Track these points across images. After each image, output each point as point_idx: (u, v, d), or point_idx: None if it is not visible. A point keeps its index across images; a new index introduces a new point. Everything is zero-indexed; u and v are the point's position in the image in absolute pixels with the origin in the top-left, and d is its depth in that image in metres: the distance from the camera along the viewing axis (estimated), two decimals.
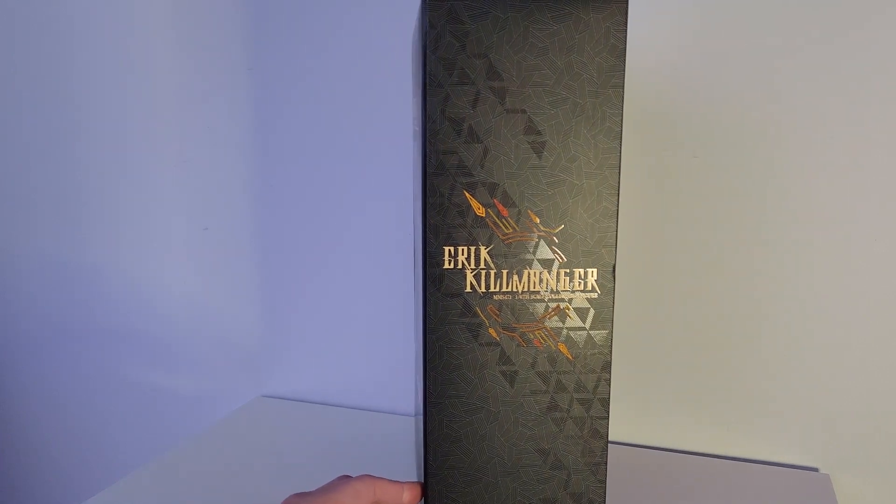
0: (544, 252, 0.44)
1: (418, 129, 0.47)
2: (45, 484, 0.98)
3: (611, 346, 0.45)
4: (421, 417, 0.49)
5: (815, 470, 0.66)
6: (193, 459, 0.68)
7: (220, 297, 0.84)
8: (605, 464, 0.46)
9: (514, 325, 0.44)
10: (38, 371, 0.95)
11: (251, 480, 0.64)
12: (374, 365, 0.80)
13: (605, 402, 0.46)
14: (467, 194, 0.43)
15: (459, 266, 0.44)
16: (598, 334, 0.45)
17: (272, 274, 0.82)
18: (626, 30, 0.42)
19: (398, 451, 0.69)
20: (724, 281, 0.65)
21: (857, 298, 0.62)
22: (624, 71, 0.42)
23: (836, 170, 0.61)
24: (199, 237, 0.83)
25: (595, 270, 0.44)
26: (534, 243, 0.44)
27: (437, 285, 0.44)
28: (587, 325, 0.45)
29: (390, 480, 0.46)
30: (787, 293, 0.64)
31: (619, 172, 0.43)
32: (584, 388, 0.45)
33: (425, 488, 0.46)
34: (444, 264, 0.44)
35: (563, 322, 0.45)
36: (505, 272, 0.44)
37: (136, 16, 0.81)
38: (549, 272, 0.44)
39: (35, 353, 0.95)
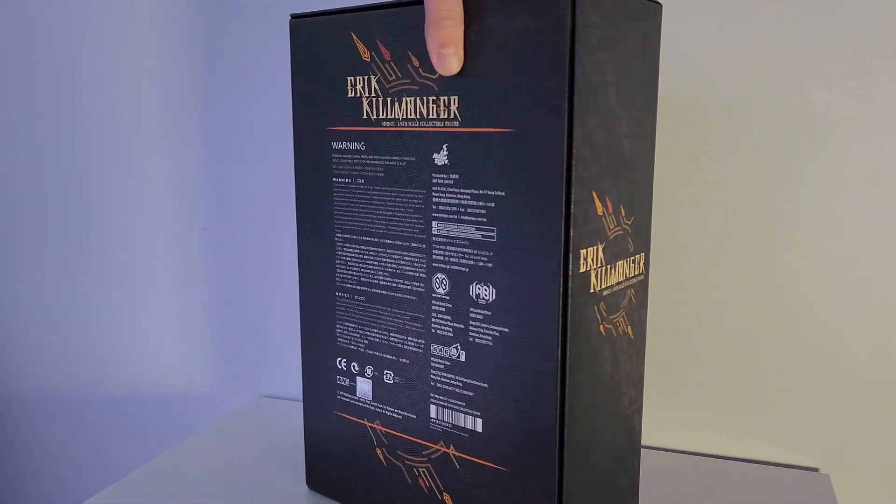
0: (627, 243, 0.47)
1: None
2: (45, 484, 0.97)
3: (646, 319, 0.51)
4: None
5: (815, 470, 0.66)
6: (193, 459, 0.67)
7: (219, 296, 0.83)
8: (640, 412, 0.51)
9: (611, 316, 0.46)
10: (37, 371, 0.93)
11: (251, 480, 0.63)
12: None
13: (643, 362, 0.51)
14: (595, 195, 0.43)
15: (588, 268, 0.43)
16: (644, 312, 0.50)
17: (272, 273, 0.80)
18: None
19: None
20: (723, 281, 0.66)
21: (858, 298, 0.63)
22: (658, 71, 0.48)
23: (837, 170, 0.62)
24: (199, 237, 0.82)
25: (642, 255, 0.49)
26: (625, 235, 0.46)
27: (578, 290, 0.43)
28: (641, 306, 0.50)
29: None
30: (787, 293, 0.65)
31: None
32: (640, 361, 0.50)
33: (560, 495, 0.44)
34: (580, 268, 0.43)
35: (630, 306, 0.48)
36: (609, 266, 0.45)
37: (133, 17, 0.80)
38: (627, 261, 0.47)
39: (34, 353, 0.93)
